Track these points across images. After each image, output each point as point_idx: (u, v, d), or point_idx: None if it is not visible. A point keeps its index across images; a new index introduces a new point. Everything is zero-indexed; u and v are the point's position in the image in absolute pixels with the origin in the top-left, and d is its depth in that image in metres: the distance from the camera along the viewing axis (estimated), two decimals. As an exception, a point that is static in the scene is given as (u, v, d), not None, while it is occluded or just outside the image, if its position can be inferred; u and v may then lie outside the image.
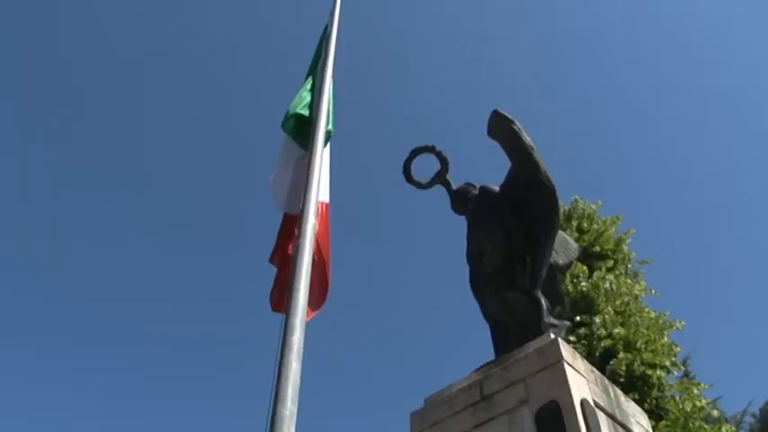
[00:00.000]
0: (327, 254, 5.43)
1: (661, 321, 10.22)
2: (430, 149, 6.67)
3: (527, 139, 5.64)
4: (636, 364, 9.31)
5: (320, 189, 5.15)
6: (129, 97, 30.57)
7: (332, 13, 7.26)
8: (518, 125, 5.67)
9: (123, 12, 29.92)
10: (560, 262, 6.20)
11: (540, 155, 5.67)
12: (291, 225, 5.14)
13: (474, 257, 6.01)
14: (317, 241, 4.81)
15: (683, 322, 10.44)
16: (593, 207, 12.26)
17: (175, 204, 32.25)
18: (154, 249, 31.57)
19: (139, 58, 30.86)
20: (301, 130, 6.00)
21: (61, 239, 29.81)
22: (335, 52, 6.68)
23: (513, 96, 29.00)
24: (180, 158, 31.79)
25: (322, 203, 5.40)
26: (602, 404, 4.47)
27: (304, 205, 4.55)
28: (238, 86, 32.52)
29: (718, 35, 31.34)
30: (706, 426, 9.24)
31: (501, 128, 5.72)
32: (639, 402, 7.84)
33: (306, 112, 6.13)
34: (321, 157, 5.22)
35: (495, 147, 5.83)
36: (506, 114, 5.71)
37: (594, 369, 4.84)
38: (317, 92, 6.13)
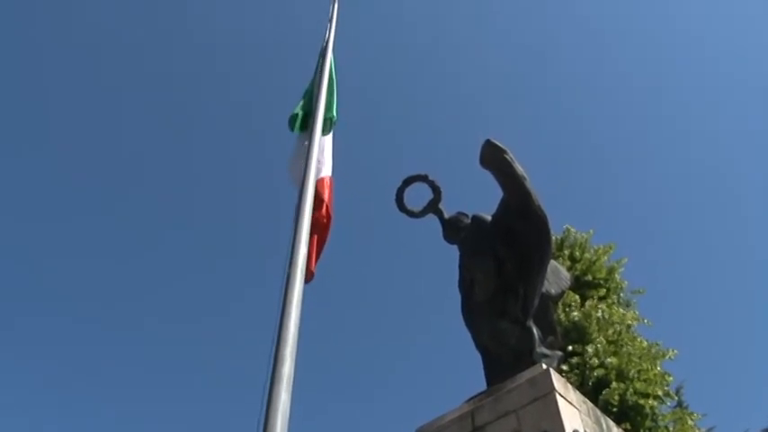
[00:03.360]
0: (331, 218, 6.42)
1: (653, 351, 10.17)
2: (423, 178, 6.70)
3: (519, 168, 5.66)
4: (629, 393, 9.26)
5: (324, 168, 6.57)
6: (117, 109, 30.59)
7: (329, 27, 8.41)
8: (510, 155, 5.68)
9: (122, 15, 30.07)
10: (552, 291, 6.19)
11: (532, 184, 5.68)
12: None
13: (466, 286, 6.00)
14: (326, 206, 6.27)
15: (675, 351, 10.39)
16: (585, 236, 12.25)
17: (163, 228, 32.07)
18: (139, 273, 31.22)
19: (132, 64, 30.92)
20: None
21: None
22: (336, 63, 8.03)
23: (505, 125, 29.16)
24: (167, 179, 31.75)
25: (328, 177, 6.61)
26: (594, 436, 4.44)
27: (295, 236, 4.56)
28: (227, 97, 32.61)
29: (711, 64, 31.69)
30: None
31: (493, 157, 5.74)
32: (632, 433, 7.79)
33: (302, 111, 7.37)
34: (313, 179, 5.73)
35: (487, 176, 5.85)
36: (499, 144, 5.73)
37: (587, 400, 4.81)
38: (315, 95, 7.18)
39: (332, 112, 7.47)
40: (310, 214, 4.97)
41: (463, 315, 5.99)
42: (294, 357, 3.74)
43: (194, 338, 30.20)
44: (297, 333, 3.87)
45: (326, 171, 6.68)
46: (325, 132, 7.09)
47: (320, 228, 6.04)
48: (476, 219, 6.24)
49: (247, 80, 31.99)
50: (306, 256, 4.48)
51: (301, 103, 7.57)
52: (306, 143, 6.46)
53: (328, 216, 6.31)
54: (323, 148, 6.87)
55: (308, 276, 5.89)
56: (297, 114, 7.34)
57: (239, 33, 30.69)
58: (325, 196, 6.34)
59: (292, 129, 7.31)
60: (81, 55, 29.76)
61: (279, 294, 4.19)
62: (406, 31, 31.79)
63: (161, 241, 31.29)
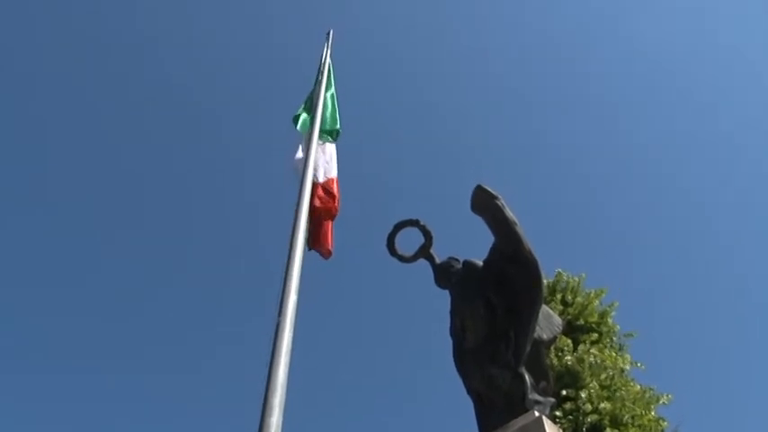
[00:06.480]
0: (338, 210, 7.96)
1: (648, 395, 10.11)
2: (414, 223, 6.74)
3: (510, 213, 5.70)
4: (623, 439, 9.18)
5: (332, 170, 8.18)
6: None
7: (326, 48, 10.04)
8: (501, 200, 5.73)
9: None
10: (545, 337, 6.16)
11: (522, 229, 5.71)
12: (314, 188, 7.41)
13: (457, 332, 5.98)
14: (337, 201, 7.91)
15: (670, 396, 10.33)
16: (578, 279, 12.25)
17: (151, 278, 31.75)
18: (123, 326, 30.61)
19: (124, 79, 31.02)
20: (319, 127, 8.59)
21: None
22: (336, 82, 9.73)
23: (496, 168, 29.31)
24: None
25: (334, 180, 8.12)
26: (587, 485, 4.39)
27: (285, 284, 4.56)
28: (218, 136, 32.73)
29: (706, 112, 32.06)
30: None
31: (484, 203, 5.78)
32: (627, 480, 7.68)
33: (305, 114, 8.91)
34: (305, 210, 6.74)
35: (478, 221, 5.87)
36: (489, 189, 5.78)
37: (580, 448, 4.76)
38: (314, 106, 8.67)
39: (336, 125, 9.09)
40: (300, 263, 4.99)
41: (454, 361, 5.96)
42: (283, 407, 3.70)
43: (181, 387, 29.74)
44: (286, 382, 3.84)
45: (333, 173, 8.16)
46: (333, 140, 8.80)
47: (332, 215, 7.65)
48: (467, 264, 6.25)
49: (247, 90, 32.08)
50: (296, 303, 4.48)
51: (303, 107, 9.11)
52: (309, 143, 7.88)
53: (336, 208, 7.82)
54: (331, 154, 8.46)
55: (327, 254, 7.60)
56: (300, 116, 8.88)
57: (239, 46, 30.94)
58: (335, 190, 7.86)
59: (296, 126, 8.88)
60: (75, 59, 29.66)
61: (268, 342, 4.17)
62: (399, 60, 32.10)
63: (148, 296, 30.87)
